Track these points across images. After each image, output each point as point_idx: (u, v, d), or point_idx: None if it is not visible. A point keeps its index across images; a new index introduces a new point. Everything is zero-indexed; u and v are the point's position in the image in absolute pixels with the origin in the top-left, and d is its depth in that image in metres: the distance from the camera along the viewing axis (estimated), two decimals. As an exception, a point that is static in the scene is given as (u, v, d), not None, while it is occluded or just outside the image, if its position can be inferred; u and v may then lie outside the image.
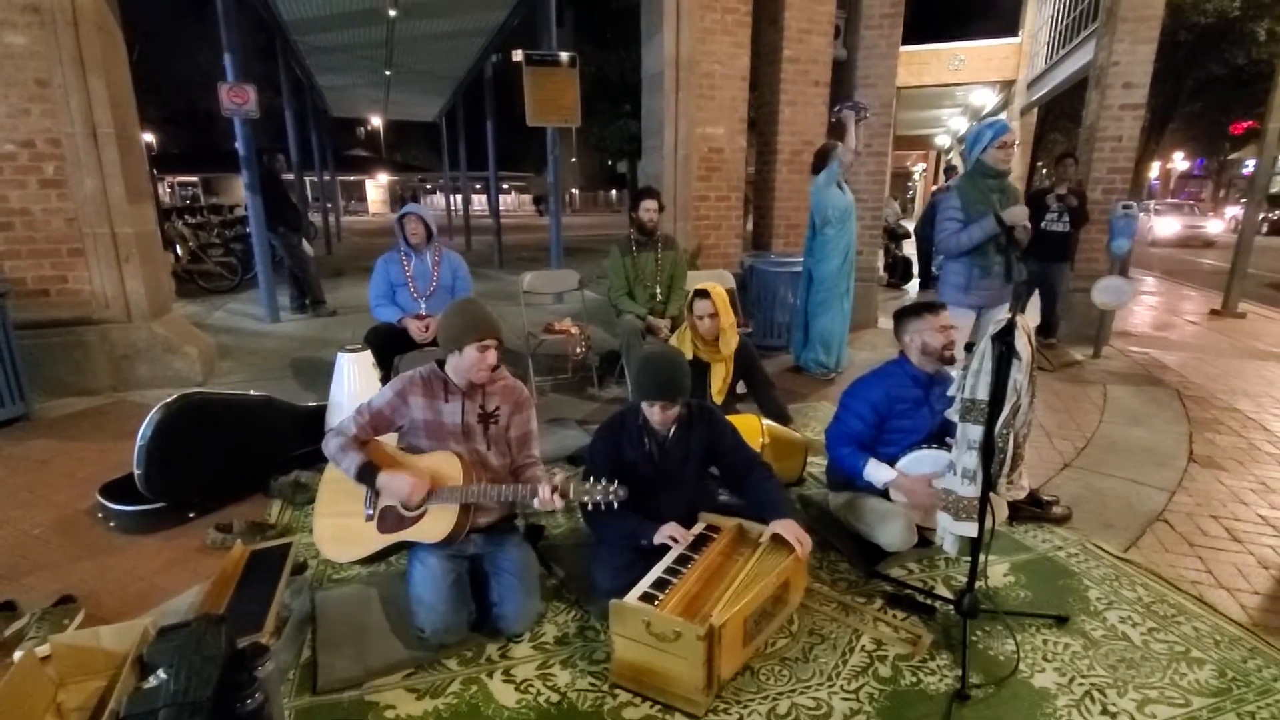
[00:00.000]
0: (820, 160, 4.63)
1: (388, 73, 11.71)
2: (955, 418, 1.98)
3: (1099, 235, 5.62)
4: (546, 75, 6.32)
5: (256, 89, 5.93)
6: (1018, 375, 1.82)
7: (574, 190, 45.09)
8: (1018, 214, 2.99)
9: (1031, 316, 5.91)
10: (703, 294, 3.08)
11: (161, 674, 1.46)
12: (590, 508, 2.00)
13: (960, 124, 16.04)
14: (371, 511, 2.12)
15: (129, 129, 4.27)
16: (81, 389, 4.24)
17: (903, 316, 2.45)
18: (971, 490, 1.96)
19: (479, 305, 2.15)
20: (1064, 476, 3.17)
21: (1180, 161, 28.12)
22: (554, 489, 1.97)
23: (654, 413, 2.11)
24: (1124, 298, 5.06)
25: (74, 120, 3.95)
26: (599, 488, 1.95)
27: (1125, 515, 2.78)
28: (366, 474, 2.03)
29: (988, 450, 1.87)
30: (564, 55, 6.42)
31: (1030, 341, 1.85)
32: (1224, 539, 2.61)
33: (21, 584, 2.26)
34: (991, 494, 2.36)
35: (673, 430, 2.18)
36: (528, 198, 41.87)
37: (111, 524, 2.64)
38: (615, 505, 1.95)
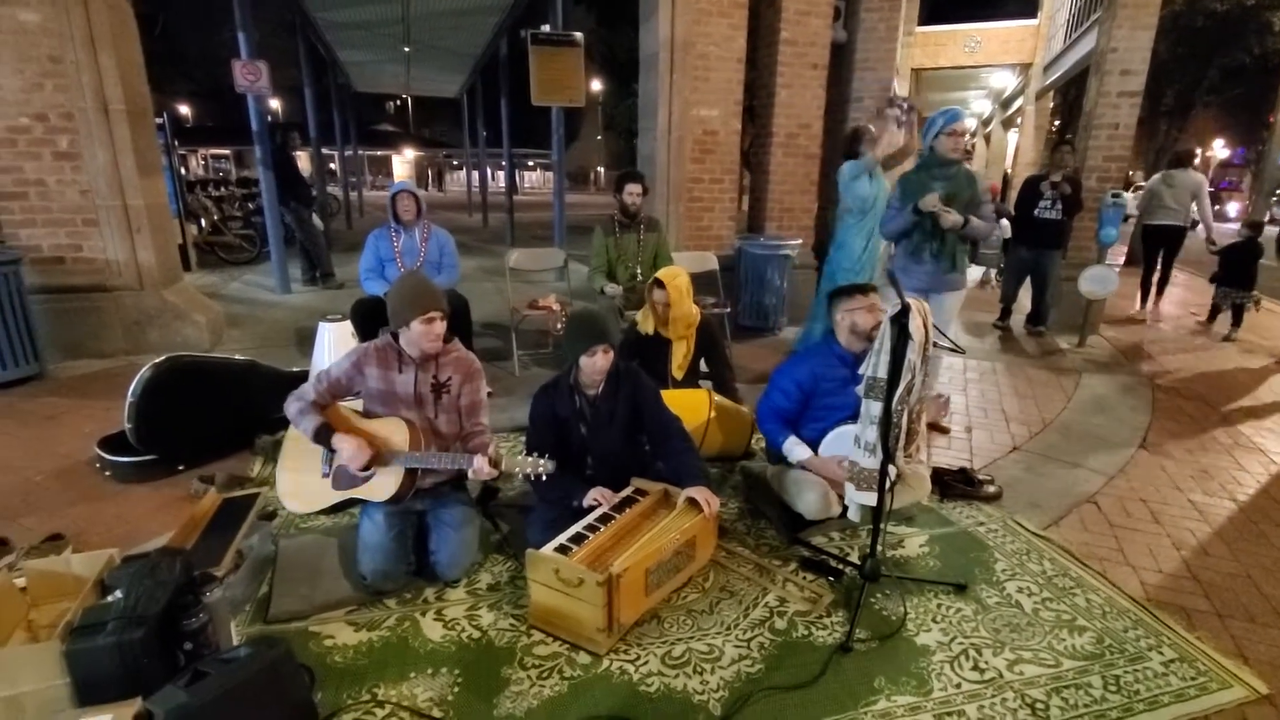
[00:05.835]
0: (848, 145, 4.45)
1: (406, 49, 11.84)
2: (861, 393, 2.11)
3: (1092, 224, 5.58)
4: (552, 55, 6.41)
5: (269, 66, 6.11)
6: (911, 355, 1.93)
7: (599, 169, 44.89)
8: (927, 201, 3.11)
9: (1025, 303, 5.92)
10: (660, 284, 3.19)
11: (118, 593, 1.67)
12: (520, 479, 2.16)
13: (984, 107, 15.71)
14: (328, 469, 2.32)
15: (140, 104, 4.49)
16: (97, 352, 4.53)
17: (835, 297, 2.56)
18: (873, 462, 2.09)
19: (419, 280, 2.30)
20: (1010, 459, 3.26)
21: (1221, 149, 27.09)
22: (488, 460, 2.13)
23: (595, 361, 2.25)
24: (1109, 286, 5.05)
25: (86, 96, 4.17)
26: (529, 461, 2.10)
27: (1056, 497, 2.88)
28: (322, 435, 2.19)
29: (885, 424, 2.00)
30: (575, 35, 6.48)
31: (925, 324, 1.96)
32: (1146, 521, 2.70)
33: (19, 524, 2.52)
34: (919, 468, 2.49)
35: (601, 388, 2.35)
36: (552, 175, 41.84)
37: (108, 473, 2.90)
38: (544, 478, 2.10)
